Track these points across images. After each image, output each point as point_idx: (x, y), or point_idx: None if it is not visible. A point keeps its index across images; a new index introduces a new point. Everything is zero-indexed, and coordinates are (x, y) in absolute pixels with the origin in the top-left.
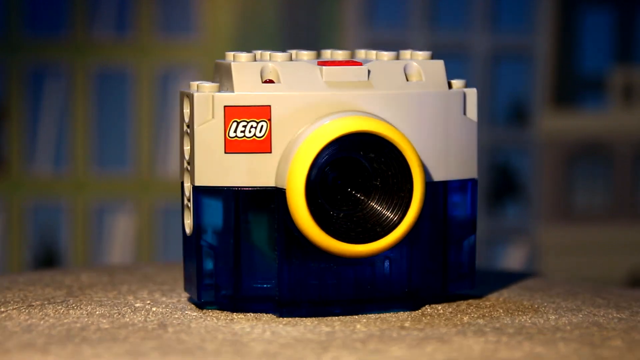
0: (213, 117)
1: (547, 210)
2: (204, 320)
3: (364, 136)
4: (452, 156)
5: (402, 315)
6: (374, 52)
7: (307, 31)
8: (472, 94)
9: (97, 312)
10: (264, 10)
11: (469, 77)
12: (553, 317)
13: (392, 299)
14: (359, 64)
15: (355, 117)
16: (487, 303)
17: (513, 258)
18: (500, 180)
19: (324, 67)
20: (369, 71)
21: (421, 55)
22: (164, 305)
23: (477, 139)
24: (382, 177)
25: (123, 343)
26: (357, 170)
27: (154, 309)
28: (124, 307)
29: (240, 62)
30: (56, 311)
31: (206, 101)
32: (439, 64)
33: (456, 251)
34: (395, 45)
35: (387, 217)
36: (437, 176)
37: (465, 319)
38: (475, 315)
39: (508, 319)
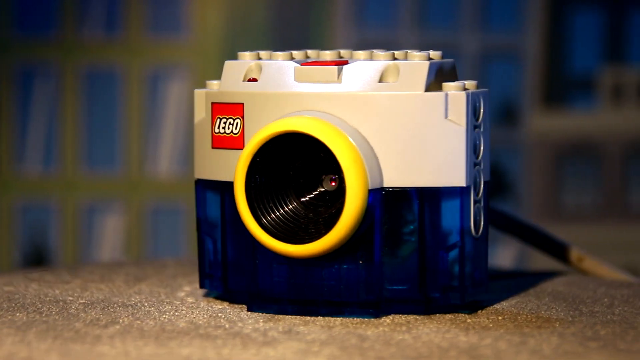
0: (205, 113)
1: (536, 210)
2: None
3: (299, 137)
4: (429, 162)
5: (354, 321)
6: (382, 52)
7: (297, 31)
8: (458, 97)
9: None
10: (254, 10)
11: (459, 77)
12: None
13: (353, 304)
14: (338, 63)
15: (298, 117)
16: (463, 318)
17: (502, 258)
18: (490, 180)
19: (295, 66)
20: (339, 71)
21: (418, 56)
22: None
23: (465, 145)
24: (321, 179)
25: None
26: (304, 170)
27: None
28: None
29: (232, 61)
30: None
31: (201, 98)
32: (422, 65)
33: (436, 261)
34: (384, 45)
35: (321, 221)
36: (408, 182)
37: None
38: (428, 330)
39: (462, 335)
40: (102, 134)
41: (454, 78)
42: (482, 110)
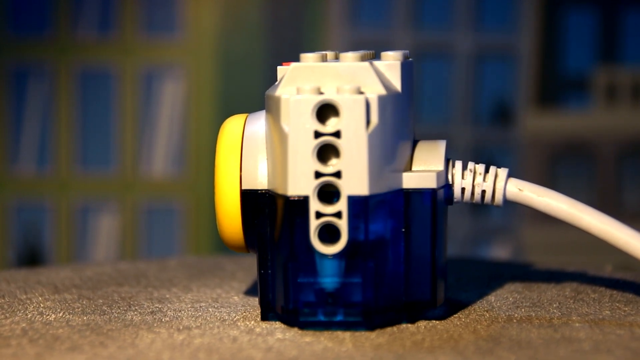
0: None
1: (531, 210)
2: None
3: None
4: (274, 168)
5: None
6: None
7: (291, 30)
8: (285, 102)
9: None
10: (248, 9)
11: (453, 77)
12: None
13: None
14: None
15: (239, 116)
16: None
17: (497, 257)
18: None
19: (279, 66)
20: (278, 70)
21: (350, 57)
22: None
23: (288, 152)
24: None
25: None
26: None
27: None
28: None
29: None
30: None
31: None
32: (289, 67)
33: (282, 273)
34: (378, 45)
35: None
36: (269, 185)
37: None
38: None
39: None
40: (96, 134)
41: (368, 82)
42: (340, 118)
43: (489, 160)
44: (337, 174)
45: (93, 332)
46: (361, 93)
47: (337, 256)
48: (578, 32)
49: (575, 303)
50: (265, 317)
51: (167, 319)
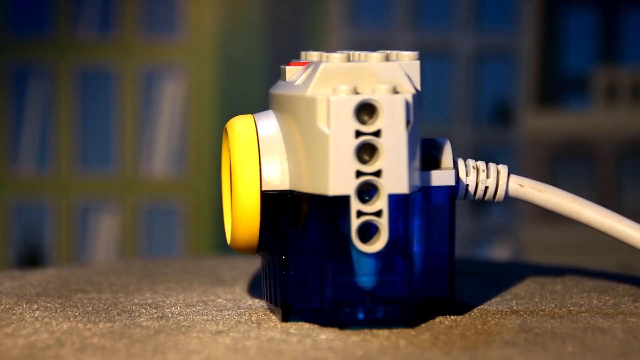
0: None
1: (531, 210)
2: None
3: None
4: (308, 167)
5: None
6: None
7: (291, 30)
8: (323, 102)
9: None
10: (248, 10)
11: (453, 77)
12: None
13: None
14: (300, 64)
15: (243, 116)
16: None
17: (497, 257)
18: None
19: (286, 67)
20: (302, 71)
21: (376, 57)
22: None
23: (330, 152)
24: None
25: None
26: None
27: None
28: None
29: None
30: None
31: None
32: (317, 67)
33: (318, 273)
34: (378, 45)
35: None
36: (301, 187)
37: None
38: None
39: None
40: (96, 134)
41: (391, 82)
42: (380, 117)
43: (488, 159)
44: (377, 173)
45: (137, 342)
46: (397, 93)
47: (375, 254)
48: (578, 32)
49: (580, 300)
50: (286, 318)
51: (179, 324)
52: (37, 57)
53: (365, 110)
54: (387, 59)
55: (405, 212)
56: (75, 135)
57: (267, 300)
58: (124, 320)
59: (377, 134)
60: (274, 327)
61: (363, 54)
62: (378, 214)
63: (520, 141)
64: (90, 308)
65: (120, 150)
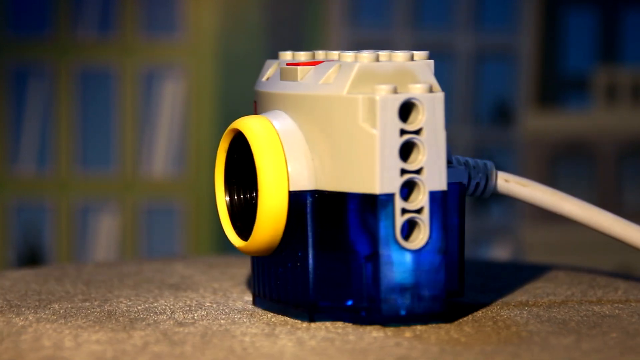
0: None
1: (531, 210)
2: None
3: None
4: (348, 167)
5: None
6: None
7: (291, 30)
8: (371, 101)
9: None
10: (248, 10)
11: (453, 77)
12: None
13: (289, 305)
14: (310, 64)
15: (253, 116)
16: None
17: (498, 257)
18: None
19: (281, 66)
20: (301, 72)
21: (401, 56)
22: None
23: (377, 152)
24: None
25: None
26: (249, 167)
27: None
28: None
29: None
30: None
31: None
32: (351, 66)
33: (358, 271)
34: (379, 45)
35: (247, 217)
36: (335, 186)
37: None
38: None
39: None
40: (96, 134)
41: (417, 81)
42: (422, 115)
43: (489, 159)
44: (418, 171)
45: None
46: (432, 92)
47: (415, 251)
48: (578, 32)
49: (580, 300)
50: (312, 318)
51: (208, 328)
52: (37, 57)
53: (404, 109)
54: (412, 58)
55: (444, 208)
56: (75, 135)
57: (275, 300)
58: (134, 323)
59: (418, 132)
60: (315, 328)
61: (387, 53)
62: (419, 211)
63: (520, 141)
64: (91, 308)
65: (120, 150)
